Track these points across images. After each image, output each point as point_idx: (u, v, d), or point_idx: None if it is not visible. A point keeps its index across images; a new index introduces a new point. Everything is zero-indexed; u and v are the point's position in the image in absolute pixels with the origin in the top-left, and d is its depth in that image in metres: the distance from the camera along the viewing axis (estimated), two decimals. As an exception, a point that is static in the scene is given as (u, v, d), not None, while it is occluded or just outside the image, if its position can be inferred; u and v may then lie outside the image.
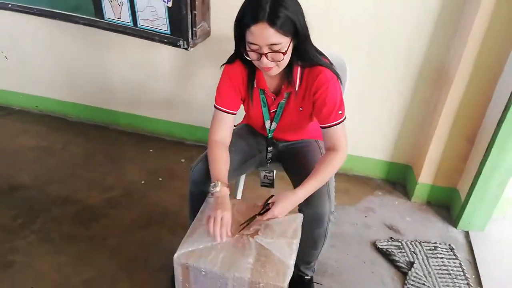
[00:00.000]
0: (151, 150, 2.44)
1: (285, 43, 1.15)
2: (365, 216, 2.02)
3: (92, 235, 1.82)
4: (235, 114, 1.38)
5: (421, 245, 1.84)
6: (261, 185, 1.63)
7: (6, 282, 1.59)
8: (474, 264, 1.77)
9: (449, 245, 1.84)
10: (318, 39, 1.91)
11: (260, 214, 1.25)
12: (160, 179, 2.20)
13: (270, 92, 1.35)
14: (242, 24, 1.14)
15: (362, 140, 2.19)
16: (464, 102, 1.81)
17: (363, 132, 2.17)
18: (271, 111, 1.40)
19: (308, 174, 1.28)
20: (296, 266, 1.52)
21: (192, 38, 1.93)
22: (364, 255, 1.80)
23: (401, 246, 1.83)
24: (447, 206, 2.08)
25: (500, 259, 1.82)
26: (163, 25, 1.95)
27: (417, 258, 1.77)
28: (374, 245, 1.85)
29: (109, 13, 2.05)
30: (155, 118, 2.51)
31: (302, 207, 1.30)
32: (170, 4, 1.86)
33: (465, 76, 1.75)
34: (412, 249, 1.81)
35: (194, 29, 1.91)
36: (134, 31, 2.04)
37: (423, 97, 1.99)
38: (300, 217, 1.29)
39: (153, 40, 2.01)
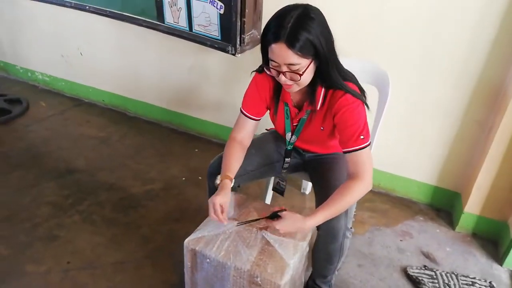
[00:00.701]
0: (196, 150, 2.54)
1: (303, 64, 1.13)
2: (401, 240, 1.92)
3: (128, 222, 1.94)
4: (257, 120, 1.41)
5: (457, 278, 1.70)
6: (272, 189, 1.64)
7: (48, 253, 1.75)
8: (517, 308, 1.60)
9: (490, 282, 1.68)
10: (363, 49, 1.89)
11: (267, 218, 1.26)
12: (200, 177, 2.28)
13: (293, 106, 1.36)
14: (265, 40, 1.15)
15: (406, 160, 2.10)
16: (520, 129, 1.66)
17: (408, 152, 2.07)
18: (293, 124, 1.40)
19: (330, 192, 1.24)
20: (312, 279, 1.50)
21: (240, 45, 2.00)
22: (391, 279, 1.71)
23: (435, 276, 1.71)
24: (495, 240, 1.90)
25: (549, 307, 1.62)
26: (215, 31, 2.04)
27: (450, 291, 1.64)
28: (404, 271, 1.74)
29: (169, 17, 2.19)
30: (204, 119, 2.62)
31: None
32: (222, 11, 1.95)
33: (524, 100, 1.62)
34: (447, 281, 1.68)
35: (242, 36, 1.98)
36: (189, 35, 2.16)
37: (476, 119, 1.86)
38: None
39: (205, 44, 2.12)
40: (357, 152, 1.23)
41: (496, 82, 1.76)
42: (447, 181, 2.05)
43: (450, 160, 2.00)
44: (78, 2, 2.51)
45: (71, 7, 2.54)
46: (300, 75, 1.15)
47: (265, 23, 1.16)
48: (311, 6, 1.16)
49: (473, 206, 1.89)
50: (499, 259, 1.81)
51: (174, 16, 2.16)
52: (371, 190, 2.19)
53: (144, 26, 2.32)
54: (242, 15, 1.91)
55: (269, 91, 1.37)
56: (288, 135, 1.43)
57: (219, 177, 1.32)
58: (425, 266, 1.77)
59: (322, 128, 1.34)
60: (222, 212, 1.25)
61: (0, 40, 3.19)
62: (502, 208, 1.84)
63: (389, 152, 2.09)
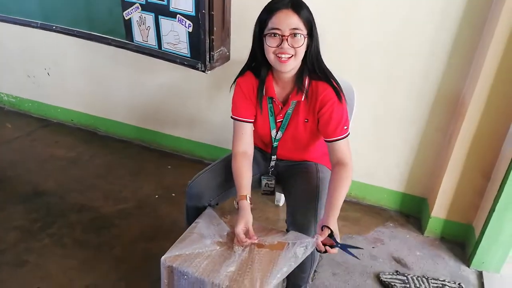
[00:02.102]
0: (169, 167, 2.53)
1: (304, 34, 1.25)
2: (373, 247, 1.96)
3: (100, 243, 1.90)
4: (252, 122, 1.44)
5: (428, 282, 1.75)
6: (262, 193, 1.65)
7: (16, 280, 1.69)
8: (485, 307, 1.67)
9: (459, 284, 1.75)
10: (327, 62, 1.96)
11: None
12: (173, 194, 2.27)
13: (278, 100, 1.40)
14: (266, 14, 1.26)
15: (375, 169, 2.16)
16: (478, 134, 1.76)
17: (376, 161, 2.14)
18: (277, 120, 1.44)
19: (302, 202, 1.33)
20: (288, 289, 1.51)
21: (209, 61, 2.03)
22: (365, 286, 1.74)
23: (406, 281, 1.76)
24: (462, 243, 1.98)
25: (515, 304, 1.70)
26: (184, 49, 2.07)
27: (422, 295, 1.69)
28: (377, 277, 1.79)
29: (137, 36, 2.20)
30: (176, 136, 2.62)
31: (289, 227, 1.31)
32: (190, 30, 1.98)
33: (480, 107, 1.71)
34: (418, 285, 1.74)
35: (211, 53, 2.01)
36: (158, 53, 2.17)
37: (438, 126, 1.95)
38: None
39: (175, 62, 2.14)
40: (342, 141, 1.35)
41: (455, 92, 1.85)
42: (414, 187, 2.13)
43: (416, 167, 2.08)
44: (44, 22, 2.48)
45: (37, 27, 2.51)
46: (305, 37, 1.26)
47: (263, 6, 1.28)
48: None
49: (439, 210, 1.97)
50: (467, 261, 1.88)
51: (143, 34, 2.17)
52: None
53: (113, 45, 2.32)
54: (211, 33, 1.95)
55: (253, 91, 1.41)
56: (274, 132, 1.46)
57: (235, 201, 1.34)
58: (397, 271, 1.81)
59: (306, 120, 1.40)
60: (248, 233, 1.27)
61: (-38, 62, 3.10)
62: (466, 211, 1.93)
63: (359, 162, 2.13)
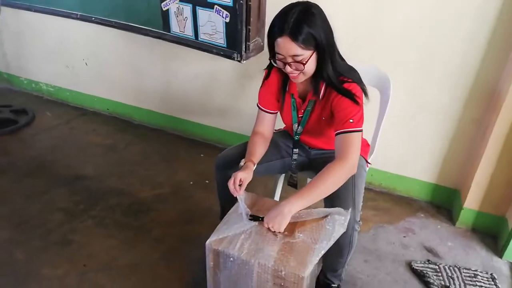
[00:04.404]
0: (202, 155, 2.60)
1: (306, 55, 1.26)
2: (404, 236, 1.99)
3: (139, 225, 1.99)
4: (274, 113, 1.53)
5: (460, 271, 1.77)
6: (288, 184, 1.71)
7: (64, 257, 1.79)
8: (517, 297, 1.68)
9: (491, 274, 1.76)
10: (364, 53, 1.98)
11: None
12: (207, 181, 2.34)
13: (298, 98, 1.46)
14: (271, 35, 1.28)
15: (406, 160, 2.18)
16: (515, 126, 1.75)
17: (408, 152, 2.15)
18: (299, 115, 1.49)
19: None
20: (323, 273, 1.56)
21: (245, 51, 2.08)
22: (397, 274, 1.77)
23: (438, 270, 1.78)
24: (494, 235, 1.98)
25: (548, 295, 1.70)
26: (220, 39, 2.12)
27: (454, 284, 1.71)
28: (409, 265, 1.81)
29: (175, 27, 2.27)
30: (209, 125, 2.68)
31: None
32: (227, 20, 2.04)
33: (517, 99, 1.71)
34: (450, 274, 1.76)
35: (247, 43, 2.06)
36: (195, 43, 2.24)
37: (473, 118, 1.95)
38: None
39: (211, 52, 2.19)
40: (345, 134, 1.32)
41: (491, 83, 1.85)
42: (447, 179, 2.14)
43: (449, 158, 2.08)
44: (83, 14, 2.58)
45: (77, 18, 2.61)
46: (304, 64, 1.27)
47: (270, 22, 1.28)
48: (311, 2, 1.29)
49: (472, 202, 1.97)
50: (499, 252, 1.89)
51: (180, 25, 2.24)
52: (373, 190, 2.27)
53: (150, 36, 2.39)
54: (247, 23, 1.99)
55: (278, 85, 1.48)
56: (295, 126, 1.53)
57: (243, 160, 1.43)
58: (428, 260, 1.84)
59: (323, 118, 1.45)
60: (240, 186, 1.35)
61: (4, 52, 3.24)
62: (500, 203, 1.93)
63: (391, 152, 2.17)
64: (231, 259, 1.26)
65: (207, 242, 1.31)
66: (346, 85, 1.34)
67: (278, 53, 1.28)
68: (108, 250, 1.84)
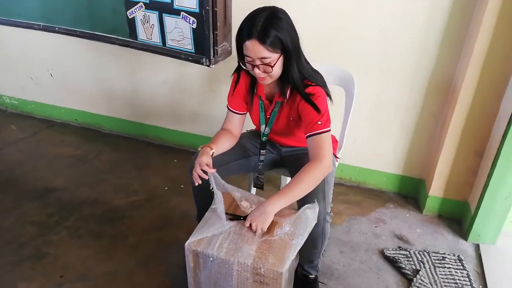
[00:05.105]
0: (175, 160, 2.61)
1: (274, 58, 1.31)
2: (375, 226, 2.07)
3: (115, 233, 1.98)
4: (241, 114, 1.58)
5: (429, 255, 1.87)
6: (253, 186, 1.76)
7: (39, 271, 1.76)
8: (483, 276, 1.78)
9: (458, 256, 1.86)
10: (330, 55, 2.06)
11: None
12: (182, 186, 2.35)
13: (266, 100, 1.52)
14: (239, 38, 1.33)
15: (374, 154, 2.27)
16: (471, 116, 1.87)
17: (374, 146, 2.25)
18: (267, 116, 1.55)
19: None
20: (301, 265, 1.61)
21: (213, 56, 2.12)
22: (371, 262, 1.85)
23: (409, 255, 1.87)
24: (458, 219, 2.10)
25: (509, 271, 1.81)
26: (188, 45, 2.15)
27: (424, 267, 1.80)
28: (382, 253, 1.90)
29: (142, 34, 2.27)
30: (180, 130, 2.69)
31: (298, 207, 1.40)
32: (195, 26, 2.07)
33: (471, 90, 1.83)
34: (420, 258, 1.85)
35: (215, 48, 2.10)
36: (163, 50, 2.25)
37: (432, 111, 2.06)
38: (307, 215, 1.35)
39: (179, 58, 2.21)
40: (316, 136, 1.39)
41: (446, 79, 1.97)
42: (412, 170, 2.25)
43: (412, 151, 2.20)
44: (46, 24, 2.54)
45: (39, 29, 2.56)
46: (272, 66, 1.32)
47: (238, 26, 1.33)
48: (277, 7, 1.35)
49: (436, 190, 2.08)
50: (464, 235, 2.00)
51: (147, 32, 2.25)
52: (344, 184, 2.35)
53: (117, 44, 2.38)
54: (214, 28, 2.03)
55: (245, 87, 1.53)
56: (263, 127, 1.58)
57: (200, 146, 1.47)
58: (399, 247, 1.93)
59: (291, 118, 1.51)
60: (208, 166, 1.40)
61: (-37, 66, 3.13)
62: (462, 189, 2.05)
63: (358, 148, 2.26)
64: (211, 259, 1.29)
65: (186, 243, 1.33)
66: (310, 88, 1.40)
67: (247, 56, 1.33)
68: (84, 260, 1.82)
